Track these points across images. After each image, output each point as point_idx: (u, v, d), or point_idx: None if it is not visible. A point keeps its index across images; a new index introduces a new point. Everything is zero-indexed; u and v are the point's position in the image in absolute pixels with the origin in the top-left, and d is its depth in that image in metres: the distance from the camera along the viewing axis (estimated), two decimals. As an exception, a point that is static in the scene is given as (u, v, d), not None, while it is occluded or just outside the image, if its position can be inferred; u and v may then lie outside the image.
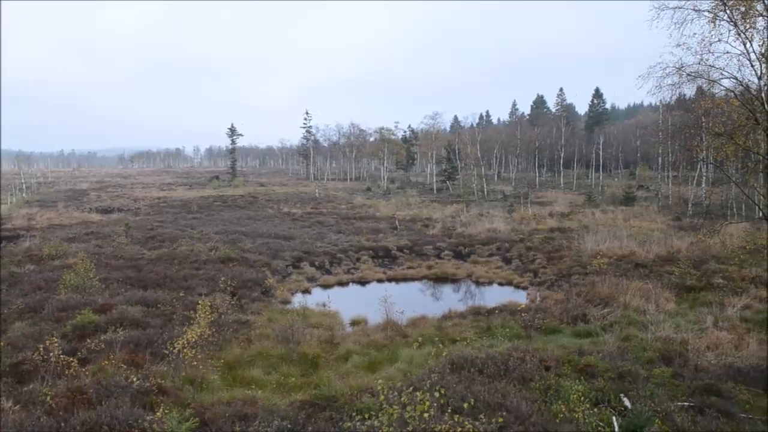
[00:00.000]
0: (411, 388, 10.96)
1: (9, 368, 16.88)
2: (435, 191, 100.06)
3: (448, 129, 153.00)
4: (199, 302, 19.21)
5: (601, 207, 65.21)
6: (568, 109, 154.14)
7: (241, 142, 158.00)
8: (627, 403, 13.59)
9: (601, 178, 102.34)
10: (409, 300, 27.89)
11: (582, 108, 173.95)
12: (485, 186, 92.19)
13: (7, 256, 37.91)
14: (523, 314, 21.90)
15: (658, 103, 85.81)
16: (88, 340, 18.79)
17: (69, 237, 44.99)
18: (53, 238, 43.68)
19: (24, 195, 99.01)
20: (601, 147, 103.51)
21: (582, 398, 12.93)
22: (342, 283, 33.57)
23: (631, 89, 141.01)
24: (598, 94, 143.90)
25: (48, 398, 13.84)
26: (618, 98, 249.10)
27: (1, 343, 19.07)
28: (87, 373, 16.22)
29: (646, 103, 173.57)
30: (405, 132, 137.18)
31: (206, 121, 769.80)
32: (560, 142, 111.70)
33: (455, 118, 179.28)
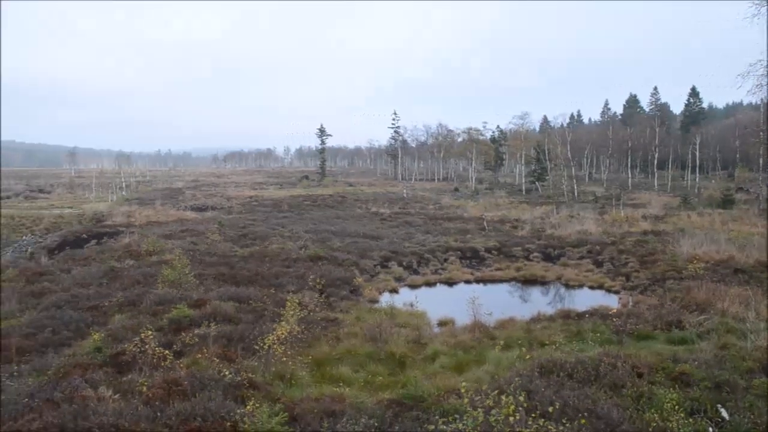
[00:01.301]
0: (496, 391, 10.87)
1: (109, 359, 17.63)
2: (524, 192, 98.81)
3: (537, 129, 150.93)
4: (288, 300, 19.54)
5: (698, 210, 62.97)
6: (662, 109, 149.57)
7: (330, 143, 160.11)
8: (724, 414, 13.08)
9: (697, 179, 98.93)
10: (497, 302, 27.62)
11: (677, 107, 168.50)
12: (575, 187, 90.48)
13: (108, 251, 39.60)
14: (614, 319, 21.36)
15: (759, 102, 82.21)
16: (183, 334, 19.43)
17: (165, 234, 46.54)
18: (151, 234, 45.27)
19: (124, 193, 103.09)
20: (697, 147, 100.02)
21: (676, 407, 12.52)
22: (429, 284, 33.55)
23: (728, 88, 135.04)
24: (694, 93, 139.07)
25: (145, 388, 14.37)
26: (716, 97, 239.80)
27: (103, 335, 19.94)
28: (182, 365, 16.75)
29: (746, 102, 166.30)
30: (493, 132, 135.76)
31: (298, 121, 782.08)
32: (654, 143, 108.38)
33: (544, 118, 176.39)
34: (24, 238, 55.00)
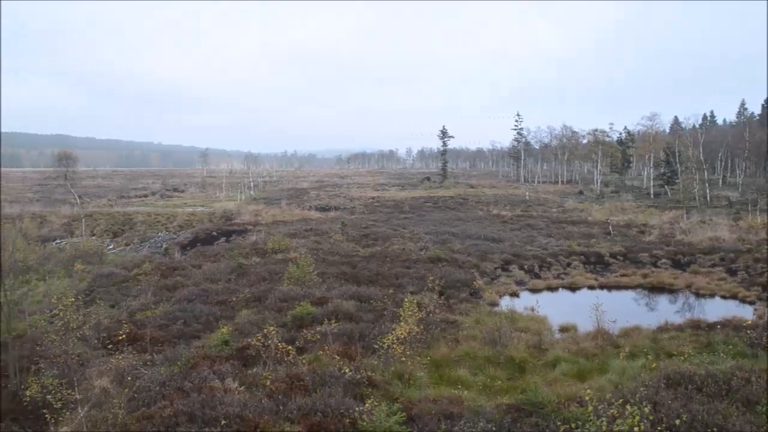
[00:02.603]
0: (621, 401, 10.54)
1: (236, 352, 18.32)
2: (652, 196, 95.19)
3: (666, 130, 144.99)
4: (406, 300, 19.67)
5: None
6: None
7: (451, 144, 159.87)
8: None
9: None
10: (622, 309, 26.73)
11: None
12: (708, 191, 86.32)
13: (236, 248, 41.13)
14: (749, 331, 20.22)
15: None
16: (305, 330, 19.96)
17: (290, 233, 47.87)
18: (276, 233, 46.71)
19: (251, 193, 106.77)
20: None
21: (817, 427, 11.76)
22: (551, 288, 32.93)
23: None
24: None
25: (268, 382, 14.85)
26: None
27: (230, 329, 20.74)
28: (304, 361, 17.20)
29: None
30: (620, 134, 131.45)
31: (421, 123, 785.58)
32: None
33: (675, 119, 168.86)
34: (159, 234, 58.07)
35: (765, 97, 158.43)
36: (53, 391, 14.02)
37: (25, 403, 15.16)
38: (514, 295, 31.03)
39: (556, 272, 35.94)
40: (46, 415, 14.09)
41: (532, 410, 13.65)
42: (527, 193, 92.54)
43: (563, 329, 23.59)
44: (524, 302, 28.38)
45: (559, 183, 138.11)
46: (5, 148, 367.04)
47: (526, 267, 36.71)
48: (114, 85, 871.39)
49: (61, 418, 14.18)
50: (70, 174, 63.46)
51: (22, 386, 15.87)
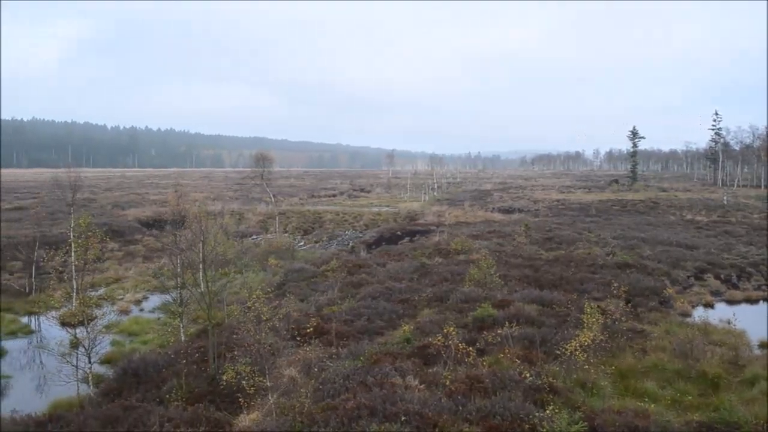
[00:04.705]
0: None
1: (417, 350, 18.64)
2: None
3: None
4: (587, 307, 19.06)
5: None
6: None
7: (642, 145, 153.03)
8: None
9: None
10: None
11: None
12: None
13: (420, 248, 41.82)
14: None
15: None
16: (486, 332, 19.89)
17: (473, 234, 47.95)
18: (459, 234, 46.93)
19: (435, 194, 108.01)
20: None
21: None
22: (751, 300, 30.74)
23: None
24: None
25: (448, 382, 14.99)
26: None
27: (412, 327, 21.12)
28: (484, 363, 17.17)
29: None
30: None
31: (609, 123, 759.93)
32: None
33: None
34: (346, 232, 60.24)
35: None
36: (246, 378, 14.95)
37: (221, 387, 16.29)
38: (709, 305, 29.29)
39: (757, 283, 33.46)
40: (240, 399, 15.07)
41: (726, 430, 12.80)
42: (725, 198, 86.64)
43: (763, 345, 21.98)
44: (719, 314, 26.73)
45: (762, 187, 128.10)
46: (211, 149, 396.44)
47: (722, 276, 34.45)
48: (306, 90, 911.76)
49: (252, 403, 15.10)
50: (266, 174, 67.26)
51: (219, 371, 17.06)
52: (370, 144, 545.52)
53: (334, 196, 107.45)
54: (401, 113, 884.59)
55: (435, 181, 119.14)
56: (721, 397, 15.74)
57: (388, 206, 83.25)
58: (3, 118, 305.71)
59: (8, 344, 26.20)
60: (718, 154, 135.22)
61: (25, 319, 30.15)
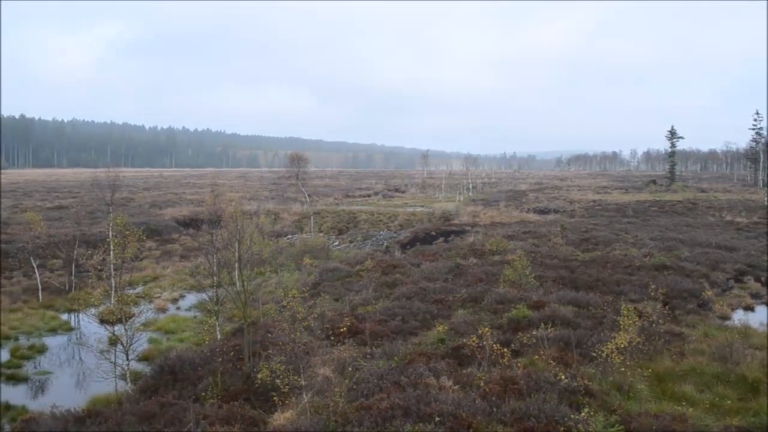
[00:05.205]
0: None
1: (451, 351, 18.59)
2: None
3: None
4: (623, 308, 18.82)
5: None
6: None
7: (681, 145, 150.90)
8: None
9: None
10: None
11: None
12: None
13: (454, 248, 41.72)
14: None
15: None
16: (521, 334, 19.77)
17: (508, 234, 47.69)
18: (494, 234, 46.72)
19: (470, 194, 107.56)
20: None
21: None
22: (793, 304, 30.08)
23: None
24: None
25: (482, 383, 14.92)
26: None
27: (446, 327, 21.07)
28: (518, 364, 17.06)
29: None
30: None
31: (647, 122, 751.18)
32: None
33: None
34: (380, 232, 60.33)
35: None
36: (281, 376, 15.05)
37: (256, 385, 16.42)
38: (749, 309, 28.72)
39: (800, 286, 32.77)
40: (274, 398, 15.17)
41: (766, 435, 12.58)
42: (766, 198, 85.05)
43: (807, 349, 21.46)
44: (760, 317, 26.24)
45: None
46: (246, 150, 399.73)
47: (763, 279, 33.78)
48: (342, 90, 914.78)
49: (287, 402, 15.19)
50: (301, 174, 67.61)
51: (254, 369, 17.20)
52: (404, 144, 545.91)
53: (368, 196, 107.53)
54: (436, 113, 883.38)
55: (470, 181, 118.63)
56: (761, 402, 15.43)
57: (422, 206, 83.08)
58: (44, 119, 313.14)
59: (49, 341, 26.80)
60: (758, 154, 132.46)
61: (65, 316, 30.78)
